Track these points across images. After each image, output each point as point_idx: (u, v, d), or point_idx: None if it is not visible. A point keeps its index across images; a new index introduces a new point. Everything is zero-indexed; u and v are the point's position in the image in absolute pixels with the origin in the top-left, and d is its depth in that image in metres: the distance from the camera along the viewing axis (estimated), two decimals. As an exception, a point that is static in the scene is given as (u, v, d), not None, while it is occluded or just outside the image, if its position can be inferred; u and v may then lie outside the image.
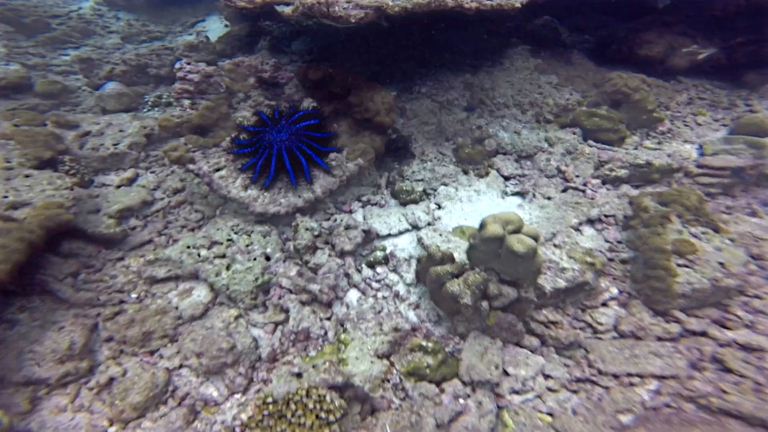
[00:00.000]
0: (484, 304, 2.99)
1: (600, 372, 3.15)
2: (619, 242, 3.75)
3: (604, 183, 4.20)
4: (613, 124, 4.38)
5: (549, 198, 4.16)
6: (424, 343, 3.25)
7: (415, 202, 4.40)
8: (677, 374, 3.03)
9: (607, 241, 3.78)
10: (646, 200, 3.62)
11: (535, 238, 2.73)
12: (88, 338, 3.52)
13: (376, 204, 4.55)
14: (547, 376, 3.20)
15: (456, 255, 3.43)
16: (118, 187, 4.53)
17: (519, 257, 2.65)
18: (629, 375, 3.08)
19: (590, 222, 3.88)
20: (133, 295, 3.84)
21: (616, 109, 4.55)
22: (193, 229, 4.39)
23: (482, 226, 2.81)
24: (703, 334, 3.24)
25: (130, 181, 4.69)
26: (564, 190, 4.24)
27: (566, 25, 5.98)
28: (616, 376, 3.11)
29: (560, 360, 3.28)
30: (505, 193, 4.35)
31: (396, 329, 3.37)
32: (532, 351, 3.31)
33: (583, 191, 4.16)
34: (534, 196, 4.23)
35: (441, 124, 5.14)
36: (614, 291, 3.46)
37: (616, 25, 5.49)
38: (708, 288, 3.21)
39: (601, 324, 3.33)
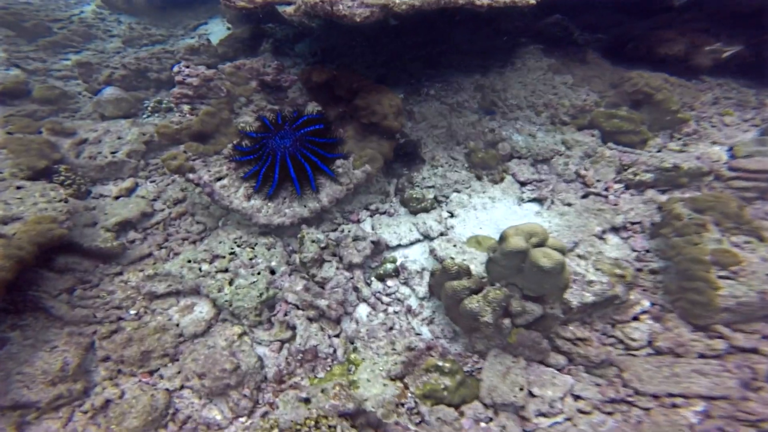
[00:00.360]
0: (506, 321, 2.77)
1: (637, 392, 2.92)
2: (647, 251, 3.52)
3: (627, 188, 3.97)
4: (634, 126, 4.15)
5: (569, 204, 3.94)
6: (440, 363, 3.03)
7: (426, 210, 4.19)
8: (728, 395, 2.79)
9: (633, 250, 3.55)
10: (678, 207, 3.39)
11: (561, 251, 2.51)
12: (82, 358, 3.35)
13: (384, 213, 4.36)
14: (577, 397, 2.98)
15: (472, 267, 3.22)
16: (117, 198, 4.35)
17: (545, 272, 2.44)
18: (671, 395, 2.84)
19: (615, 230, 3.66)
20: (132, 312, 3.67)
21: (636, 110, 4.32)
22: (194, 242, 4.21)
23: (503, 238, 2.60)
24: (754, 350, 2.99)
25: (129, 191, 4.51)
26: (584, 196, 4.02)
27: (577, 23, 5.76)
28: (655, 397, 2.88)
29: (590, 379, 3.06)
30: (522, 200, 4.14)
31: (409, 348, 3.16)
32: (558, 370, 3.09)
33: (606, 197, 3.93)
34: (552, 202, 4.01)
35: (451, 128, 4.93)
36: (646, 304, 3.23)
37: (630, 24, 5.26)
38: (756, 301, 2.97)
39: (633, 340, 3.10)
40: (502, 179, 4.26)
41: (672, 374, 2.90)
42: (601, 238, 3.58)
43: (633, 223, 3.66)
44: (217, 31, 7.85)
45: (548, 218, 3.86)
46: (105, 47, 7.51)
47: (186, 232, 4.27)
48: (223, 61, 6.09)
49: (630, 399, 2.90)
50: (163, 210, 4.42)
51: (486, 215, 4.04)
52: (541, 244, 2.52)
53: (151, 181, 4.73)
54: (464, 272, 2.99)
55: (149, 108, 5.50)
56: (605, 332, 3.18)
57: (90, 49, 7.50)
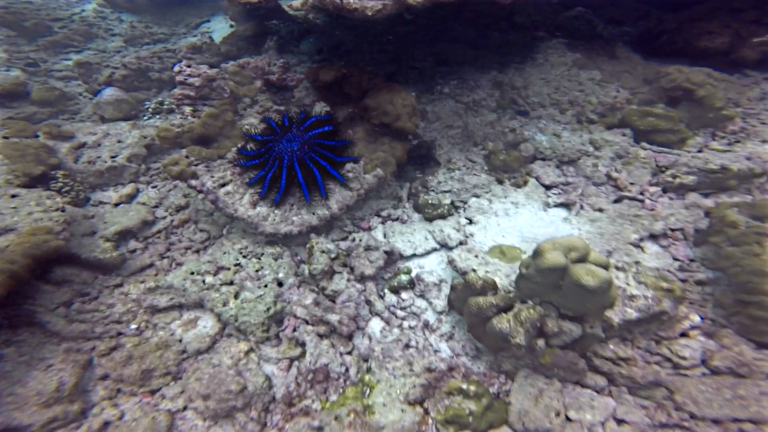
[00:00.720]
0: (540, 342, 2.57)
1: (693, 416, 2.68)
2: (692, 260, 3.27)
3: (664, 191, 3.73)
4: (672, 124, 3.91)
5: (600, 210, 3.72)
6: (464, 386, 2.84)
7: (443, 217, 4.00)
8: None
9: (675, 259, 3.31)
10: (732, 213, 3.14)
11: (605, 267, 2.30)
12: (80, 377, 3.21)
13: (397, 219, 4.19)
14: (620, 421, 2.76)
15: (497, 280, 3.02)
16: (117, 205, 4.22)
17: (588, 291, 2.23)
18: (736, 420, 2.61)
19: (653, 237, 3.42)
20: (133, 326, 3.53)
21: (673, 108, 4.08)
22: (198, 251, 4.07)
23: (538, 253, 2.39)
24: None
25: (130, 198, 4.37)
26: (617, 201, 3.79)
27: (600, 16, 5.51)
28: (717, 422, 2.64)
29: (635, 402, 2.83)
30: (548, 205, 3.92)
31: (429, 369, 2.97)
32: (597, 391, 2.87)
33: (641, 201, 3.69)
34: (582, 207, 3.79)
35: (468, 128, 4.73)
36: (696, 319, 2.99)
37: (661, 16, 5.01)
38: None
39: (684, 358, 2.86)
40: (525, 183, 4.05)
41: (735, 396, 2.66)
42: (638, 247, 3.36)
43: (674, 230, 3.42)
44: (220, 28, 7.74)
45: (577, 225, 3.64)
46: (106, 46, 7.43)
47: (189, 241, 4.13)
48: (226, 59, 5.97)
49: (686, 424, 2.66)
50: (165, 217, 4.28)
51: (509, 222, 3.83)
52: (582, 259, 2.31)
53: (153, 187, 4.59)
54: (490, 287, 2.79)
55: (150, 109, 5.36)
56: (649, 349, 2.95)
57: (91, 48, 7.43)
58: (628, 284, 2.84)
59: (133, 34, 7.63)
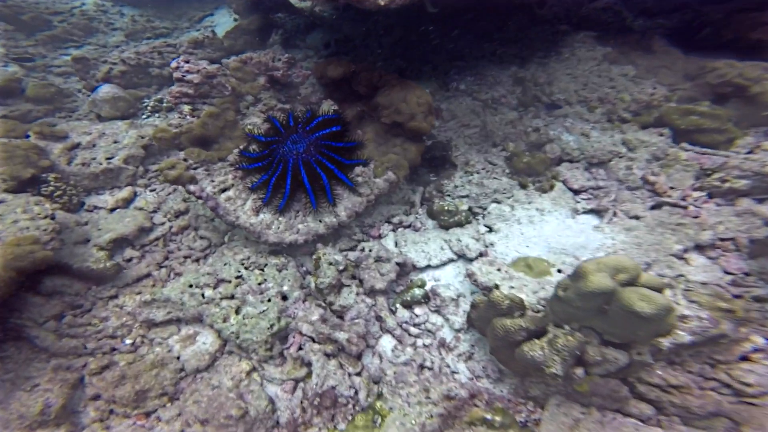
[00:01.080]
0: (579, 371, 2.31)
1: None
2: (746, 274, 2.97)
3: (710, 196, 3.43)
4: (719, 123, 3.60)
5: (636, 217, 3.44)
6: (488, 416, 2.62)
7: (460, 224, 3.76)
8: None
9: (727, 273, 3.01)
10: None
11: (659, 290, 2.03)
12: (68, 397, 3.04)
13: (409, 226, 3.97)
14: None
15: (524, 297, 2.77)
16: (112, 210, 4.04)
17: (643, 319, 1.96)
18: None
19: (699, 248, 3.13)
20: (128, 341, 3.36)
21: (719, 105, 3.76)
22: (198, 260, 3.89)
23: (580, 275, 2.14)
24: None
25: (127, 202, 4.19)
26: (655, 207, 3.50)
27: (630, 8, 5.20)
28: None
29: (691, 434, 2.55)
30: (576, 212, 3.66)
31: (448, 397, 2.74)
32: (642, 420, 2.60)
33: (684, 207, 3.40)
34: (615, 214, 3.51)
35: (486, 127, 4.47)
36: (759, 341, 2.68)
37: (700, 7, 4.68)
38: None
39: (748, 385, 2.57)
40: (551, 187, 3.78)
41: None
42: (681, 258, 3.07)
43: (724, 240, 3.12)
44: (224, 22, 7.57)
45: (611, 234, 3.37)
46: (107, 41, 7.30)
47: (188, 249, 3.94)
48: (229, 55, 5.77)
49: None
50: (163, 224, 4.09)
51: (533, 231, 3.57)
52: (631, 281, 2.05)
53: (151, 190, 4.40)
54: (517, 307, 2.54)
55: (149, 107, 5.17)
56: (702, 374, 2.66)
57: (91, 43, 7.32)
58: (677, 303, 2.57)
59: (134, 28, 7.49)
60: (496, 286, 2.97)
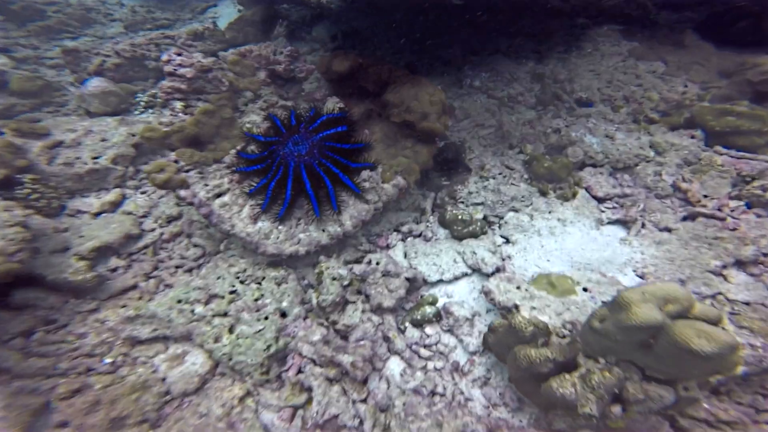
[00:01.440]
0: (616, 410, 2.02)
1: None
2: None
3: (749, 206, 3.13)
4: (759, 125, 3.29)
5: (668, 229, 3.16)
6: (506, 457, 2.31)
7: (475, 235, 3.48)
8: None
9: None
10: None
11: (715, 322, 1.74)
12: (27, 427, 2.72)
13: (420, 236, 3.71)
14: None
15: (547, 320, 2.48)
16: (97, 214, 3.77)
17: (701, 358, 1.67)
18: None
19: (739, 264, 2.83)
20: (107, 361, 3.08)
21: (760, 105, 3.46)
22: (190, 270, 3.64)
23: (622, 306, 1.85)
24: None
25: (114, 206, 3.91)
26: (689, 218, 3.20)
27: (654, 1, 4.89)
28: None
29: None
30: (601, 222, 3.36)
31: (464, 434, 2.44)
32: None
33: (722, 219, 3.10)
34: (643, 225, 3.22)
35: (502, 127, 4.18)
36: None
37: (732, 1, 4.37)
38: None
39: None
40: (574, 195, 3.49)
41: None
42: (719, 275, 2.78)
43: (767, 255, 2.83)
44: (228, 13, 7.34)
45: (639, 248, 3.09)
46: (105, 32, 7.04)
47: (180, 258, 3.68)
48: (231, 47, 5.48)
49: None
50: (153, 230, 3.82)
51: (554, 243, 3.28)
52: (683, 313, 1.76)
53: (142, 193, 4.13)
54: (542, 333, 2.25)
55: (143, 103, 4.89)
56: (755, 405, 2.37)
57: (88, 34, 7.06)
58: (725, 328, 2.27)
59: (134, 19, 7.25)
60: (516, 307, 2.69)
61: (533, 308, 2.67)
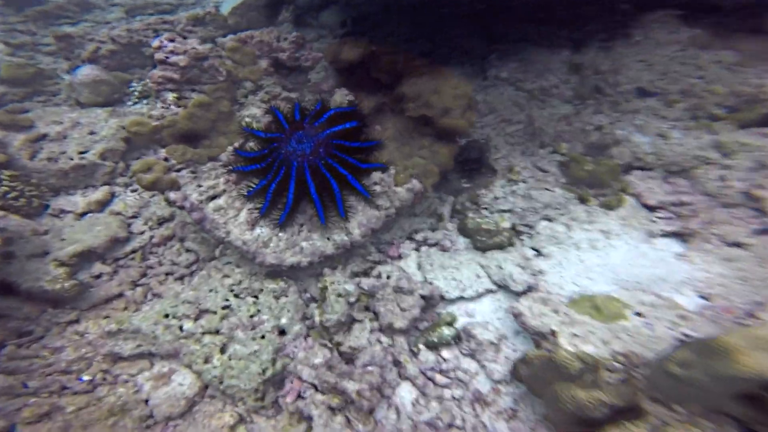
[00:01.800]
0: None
1: None
2: None
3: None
4: None
5: (737, 244, 2.86)
6: None
7: (501, 247, 3.27)
8: None
9: None
10: None
11: None
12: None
13: (436, 245, 3.51)
14: None
15: (591, 350, 2.24)
16: (83, 215, 3.65)
17: None
18: None
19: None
20: (85, 378, 2.94)
21: None
22: (182, 278, 3.52)
23: (718, 351, 1.60)
24: None
25: (102, 205, 3.81)
26: (764, 231, 2.91)
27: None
28: None
29: None
30: (652, 234, 3.09)
31: (487, 484, 2.22)
32: None
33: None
34: (706, 240, 2.93)
35: (533, 123, 3.95)
36: None
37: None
38: None
39: None
40: (620, 202, 3.22)
41: None
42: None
43: None
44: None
45: (702, 265, 2.82)
46: (104, 17, 7.03)
47: (171, 265, 3.55)
48: (234, 34, 5.35)
49: None
50: (142, 233, 3.70)
51: (596, 258, 3.03)
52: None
53: (132, 191, 4.02)
54: (590, 369, 2.01)
55: (137, 92, 4.80)
56: None
57: (87, 19, 7.08)
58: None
59: (135, 3, 7.28)
60: (553, 333, 2.44)
61: (574, 335, 2.42)
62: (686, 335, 2.36)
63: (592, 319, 2.51)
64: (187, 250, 3.60)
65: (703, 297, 2.65)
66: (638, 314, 2.52)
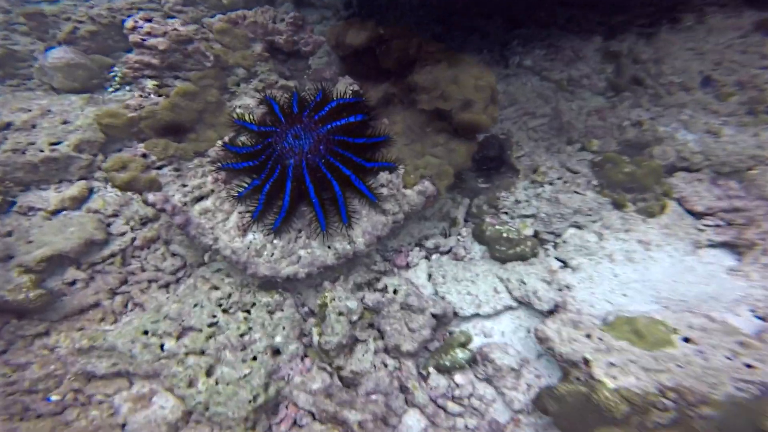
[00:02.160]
0: None
1: None
2: None
3: None
4: None
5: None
6: None
7: (524, 258, 3.11)
8: None
9: None
10: None
11: None
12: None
13: (449, 252, 3.39)
14: None
15: (633, 382, 2.07)
16: (55, 212, 3.50)
17: None
18: None
19: None
20: (53, 398, 2.81)
21: None
22: (167, 285, 3.39)
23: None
24: None
25: (78, 203, 3.64)
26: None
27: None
28: None
29: None
30: (699, 245, 2.92)
31: None
32: None
33: None
34: (764, 252, 2.76)
35: (560, 117, 3.77)
36: None
37: None
38: None
39: None
40: (662, 209, 3.04)
41: None
42: None
43: None
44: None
45: (761, 282, 2.64)
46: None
47: (155, 270, 3.41)
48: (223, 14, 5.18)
49: None
50: (123, 234, 3.54)
51: (633, 272, 2.86)
52: None
53: (113, 186, 3.82)
54: (641, 410, 1.84)
55: (118, 77, 4.61)
56: None
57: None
58: None
59: (120, -20, 7.01)
60: (586, 362, 2.27)
61: (611, 365, 2.24)
62: (749, 366, 2.17)
63: (632, 346, 2.33)
64: (173, 255, 3.45)
65: (762, 319, 2.47)
66: (687, 340, 2.33)
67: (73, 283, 3.23)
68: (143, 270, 3.41)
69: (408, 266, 3.29)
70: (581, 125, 3.67)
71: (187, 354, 2.69)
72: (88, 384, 2.87)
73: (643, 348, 2.31)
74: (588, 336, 2.43)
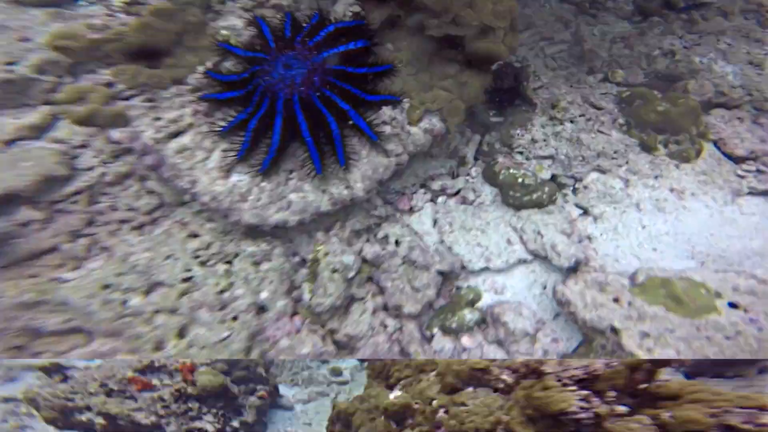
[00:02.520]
0: None
1: None
2: None
3: None
4: None
5: None
6: None
7: (540, 205, 2.72)
8: None
9: None
10: None
11: None
12: None
13: (457, 195, 3.05)
14: None
15: (672, 355, 1.76)
16: (9, 143, 2.99)
17: None
18: None
19: None
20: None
21: None
22: (141, 227, 2.91)
23: None
24: None
25: (38, 131, 3.13)
26: None
27: None
28: None
29: None
30: (739, 193, 2.56)
31: None
32: None
33: None
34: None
35: (582, 44, 3.30)
36: None
37: None
38: None
39: None
40: (698, 153, 2.64)
41: None
42: None
43: None
44: None
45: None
46: None
47: (127, 210, 2.94)
48: None
49: None
50: (92, 168, 3.05)
51: (663, 224, 2.53)
52: None
53: (72, 123, 3.34)
54: None
55: (91, -11, 3.96)
56: None
57: None
58: None
59: None
60: (614, 330, 1.94)
61: (644, 334, 1.91)
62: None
63: (668, 312, 1.99)
64: (149, 192, 2.99)
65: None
66: (733, 305, 1.99)
67: (26, 224, 2.81)
68: (114, 209, 2.98)
69: (412, 210, 2.96)
70: (605, 53, 3.25)
71: (155, 312, 2.33)
72: (35, 341, 2.52)
73: (682, 315, 1.97)
74: (616, 300, 2.08)
